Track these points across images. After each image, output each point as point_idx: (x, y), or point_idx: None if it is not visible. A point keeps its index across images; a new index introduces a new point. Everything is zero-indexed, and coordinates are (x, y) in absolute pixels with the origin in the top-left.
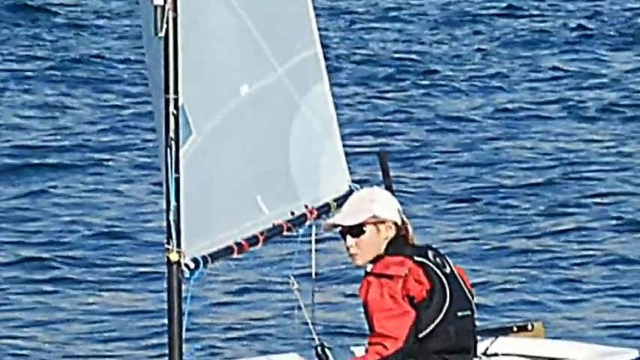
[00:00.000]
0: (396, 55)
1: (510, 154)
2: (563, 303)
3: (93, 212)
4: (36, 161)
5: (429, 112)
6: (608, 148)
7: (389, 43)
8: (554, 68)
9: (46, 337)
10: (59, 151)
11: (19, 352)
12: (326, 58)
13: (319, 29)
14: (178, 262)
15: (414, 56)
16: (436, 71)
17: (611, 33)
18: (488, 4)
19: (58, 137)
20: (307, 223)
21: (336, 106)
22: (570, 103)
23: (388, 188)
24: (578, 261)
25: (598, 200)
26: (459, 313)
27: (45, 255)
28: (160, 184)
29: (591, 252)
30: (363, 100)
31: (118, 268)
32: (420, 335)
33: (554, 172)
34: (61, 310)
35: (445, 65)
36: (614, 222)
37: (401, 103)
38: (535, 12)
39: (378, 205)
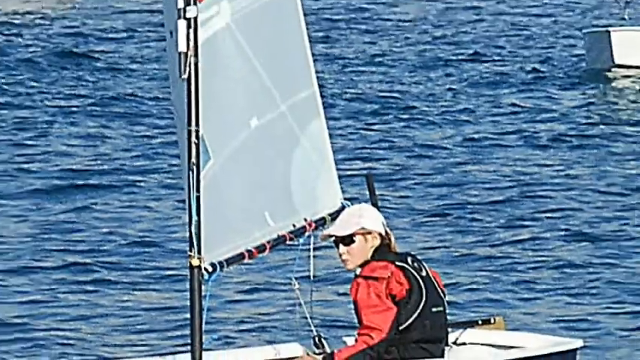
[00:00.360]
0: (381, 94)
1: (476, 176)
2: (520, 300)
3: (127, 225)
4: (80, 182)
5: (408, 141)
6: (557, 171)
7: (375, 84)
8: (513, 104)
9: (88, 329)
10: (99, 173)
11: (65, 341)
12: (322, 96)
13: (317, 72)
14: (199, 267)
15: (395, 94)
16: (414, 107)
17: (561, 75)
18: (457, 51)
19: (98, 162)
20: (306, 233)
21: (331, 137)
22: (526, 133)
23: (374, 205)
24: (533, 265)
25: (549, 215)
26: (433, 309)
27: (87, 260)
28: (183, 201)
29: (544, 258)
30: (353, 131)
31: (148, 272)
32: (401, 327)
33: (513, 191)
34: (101, 306)
35: (421, 102)
36: (562, 233)
37: (384, 134)
38: (497, 57)
39: (365, 219)
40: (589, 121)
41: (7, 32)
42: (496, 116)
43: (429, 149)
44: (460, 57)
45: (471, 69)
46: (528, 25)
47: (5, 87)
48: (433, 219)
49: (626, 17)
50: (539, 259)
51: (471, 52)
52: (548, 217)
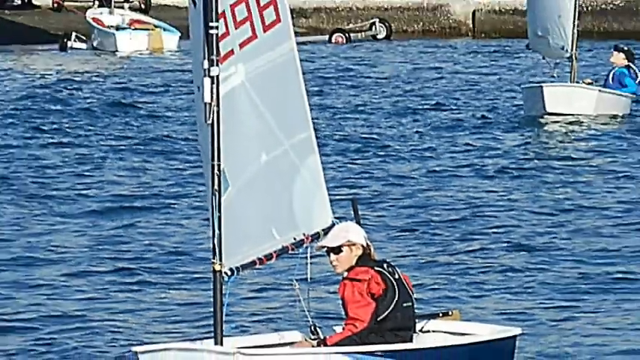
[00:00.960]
0: (363, 135)
1: (438, 200)
2: (472, 297)
3: (164, 238)
4: (126, 204)
5: (384, 173)
6: (501, 196)
7: (358, 127)
8: (466, 144)
9: (133, 320)
10: (142, 198)
11: (115, 329)
12: (317, 137)
13: (312, 118)
14: (220, 271)
15: (374, 136)
16: (389, 146)
17: (504, 120)
18: (422, 102)
19: (141, 189)
20: (304, 245)
21: (323, 169)
22: (477, 166)
23: (357, 222)
24: (482, 270)
25: (494, 230)
26: (404, 304)
27: (132, 266)
28: (207, 219)
29: (490, 264)
30: (341, 165)
31: (180, 275)
32: (379, 318)
33: (466, 211)
34: (143, 302)
35: (395, 142)
36: (505, 244)
37: (365, 167)
38: (453, 107)
39: (351, 233)
40: (526, 156)
41: (69, 87)
42: (453, 153)
43: (400, 179)
44: (425, 106)
45: (433, 116)
46: (478, 81)
47: (68, 130)
48: (404, 233)
49: (555, 75)
50: (487, 264)
51: (433, 102)
52: (493, 232)
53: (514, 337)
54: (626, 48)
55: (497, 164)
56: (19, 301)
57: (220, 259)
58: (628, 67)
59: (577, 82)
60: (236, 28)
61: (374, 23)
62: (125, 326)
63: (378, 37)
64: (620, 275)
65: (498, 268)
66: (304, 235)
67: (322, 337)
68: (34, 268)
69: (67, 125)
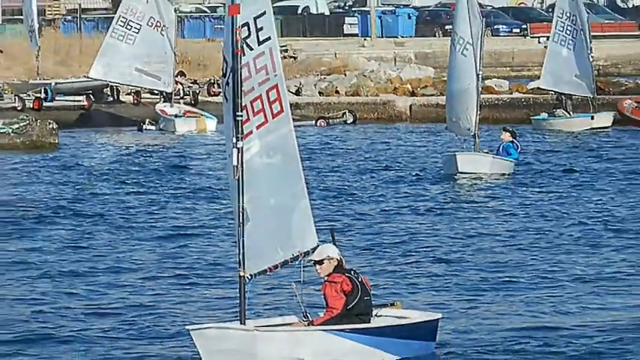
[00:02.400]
0: (337, 187)
1: (387, 230)
2: (410, 293)
3: (206, 254)
4: (182, 232)
5: (351, 211)
6: (428, 227)
7: (334, 182)
8: (406, 192)
9: (185, 308)
10: (192, 227)
11: (174, 314)
12: (307, 188)
13: (304, 175)
14: (243, 276)
15: (345, 187)
16: (355, 194)
17: (430, 177)
18: (377, 165)
19: (192, 222)
20: (299, 259)
21: (311, 208)
22: (413, 207)
23: (334, 244)
24: (417, 275)
25: (425, 249)
26: (365, 298)
27: (186, 272)
28: (235, 242)
29: (421, 271)
30: (323, 206)
31: (218, 278)
32: (348, 307)
33: (405, 237)
34: (193, 297)
35: (359, 191)
36: (431, 258)
37: (339, 208)
38: (397, 167)
39: (330, 251)
40: (445, 200)
41: (144, 155)
42: (397, 198)
43: (362, 216)
44: (378, 167)
45: (384, 174)
46: (414, 151)
47: (143, 183)
48: (364, 251)
49: (463, 147)
50: (419, 272)
51: (384, 165)
52: (424, 250)
53: (437, 319)
54: (511, 129)
55: (426, 205)
56: (111, 295)
57: (244, 268)
58: (512, 141)
59: (478, 152)
60: (254, 116)
61: (345, 112)
62: (181, 312)
63: (348, 122)
64: (507, 279)
65: (426, 274)
66: (299, 252)
67: (311, 320)
68: (120, 274)
69: (142, 180)
